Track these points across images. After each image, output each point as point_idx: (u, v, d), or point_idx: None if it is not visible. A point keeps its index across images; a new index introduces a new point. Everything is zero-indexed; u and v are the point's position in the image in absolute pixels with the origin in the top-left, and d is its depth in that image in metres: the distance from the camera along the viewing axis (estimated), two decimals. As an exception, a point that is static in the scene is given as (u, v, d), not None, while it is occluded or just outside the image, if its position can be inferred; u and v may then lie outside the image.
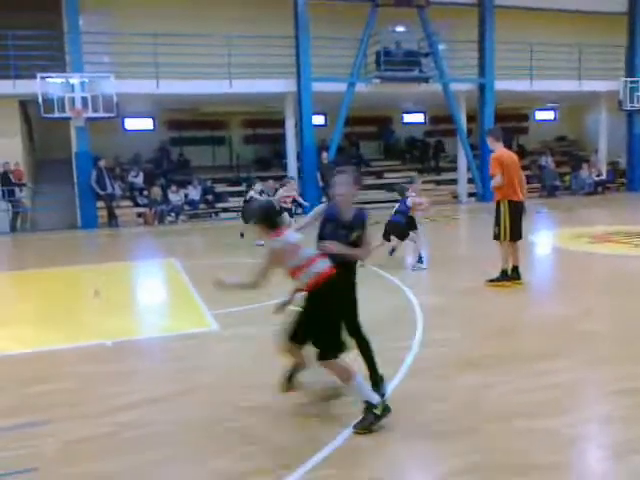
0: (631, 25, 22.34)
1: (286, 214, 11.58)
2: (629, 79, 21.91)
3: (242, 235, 12.96)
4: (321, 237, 4.29)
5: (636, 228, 12.54)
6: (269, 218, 4.07)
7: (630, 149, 23.04)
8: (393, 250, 9.67)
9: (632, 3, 22.19)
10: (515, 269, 7.74)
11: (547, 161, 22.54)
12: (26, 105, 17.49)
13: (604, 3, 21.87)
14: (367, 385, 3.97)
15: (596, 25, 21.93)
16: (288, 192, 12.87)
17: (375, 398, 3.87)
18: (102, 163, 17.21)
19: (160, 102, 19.12)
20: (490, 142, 7.78)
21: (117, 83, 16.12)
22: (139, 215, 18.15)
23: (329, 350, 3.90)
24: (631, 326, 5.89)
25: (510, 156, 7.69)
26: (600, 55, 21.42)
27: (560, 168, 23.22)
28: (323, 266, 3.97)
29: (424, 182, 21.84)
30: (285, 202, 12.41)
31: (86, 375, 5.03)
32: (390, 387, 4.45)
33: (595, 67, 21.20)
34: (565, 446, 3.59)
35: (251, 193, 13.12)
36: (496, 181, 7.53)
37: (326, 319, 3.95)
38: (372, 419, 3.81)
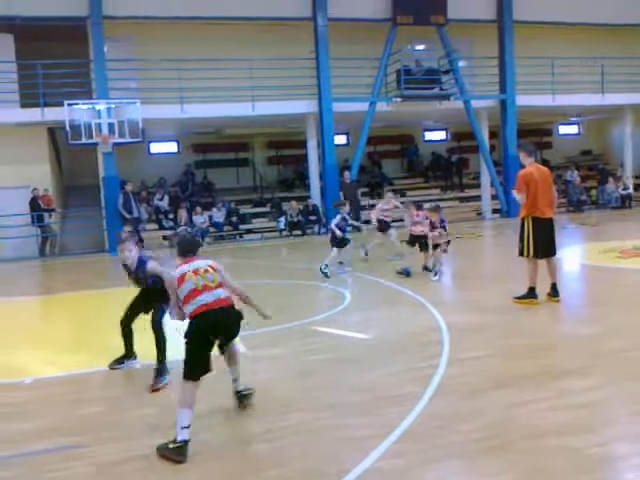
0: (654, 37, 22.18)
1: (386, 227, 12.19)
2: (653, 91, 21.69)
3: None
4: None
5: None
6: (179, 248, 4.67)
7: (656, 162, 22.73)
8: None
9: (654, 15, 22.05)
10: (553, 286, 7.67)
11: (572, 176, 22.34)
12: (54, 132, 17.92)
13: (625, 15, 21.75)
14: (184, 422, 4.00)
15: (618, 37, 21.79)
16: (387, 205, 12.82)
17: (181, 435, 3.95)
18: (129, 187, 17.48)
19: (184, 126, 19.44)
20: (522, 157, 7.78)
21: (143, 108, 16.45)
22: (164, 238, 18.37)
23: (184, 371, 4.22)
24: (662, 342, 5.79)
25: (541, 172, 7.62)
26: (623, 68, 21.25)
27: (586, 182, 22.99)
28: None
29: (448, 200, 21.93)
30: (386, 216, 12.43)
31: (116, 398, 5.09)
32: (419, 407, 4.44)
33: (618, 80, 21.03)
34: (596, 465, 3.53)
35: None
36: (519, 198, 7.57)
37: (187, 347, 4.27)
38: (166, 449, 3.93)
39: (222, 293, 4.40)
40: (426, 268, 10.05)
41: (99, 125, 16.39)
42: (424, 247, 10.13)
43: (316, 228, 19.14)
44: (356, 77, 18.01)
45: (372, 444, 3.87)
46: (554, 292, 7.66)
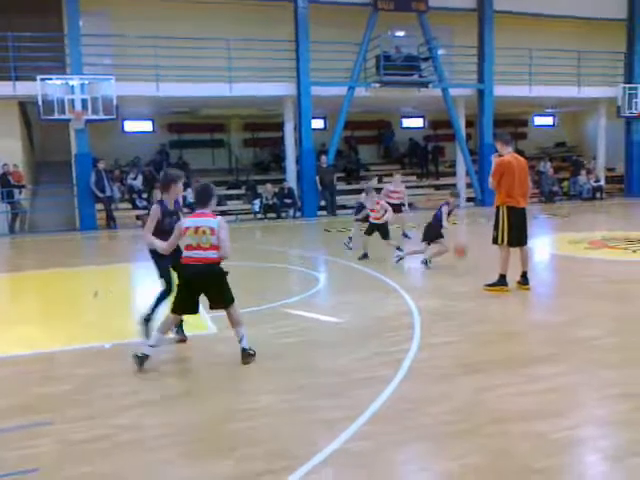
0: (630, 32, 22.48)
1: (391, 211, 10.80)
2: (628, 85, 22.04)
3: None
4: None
5: (633, 234, 12.59)
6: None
7: (628, 155, 23.13)
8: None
9: (631, 10, 22.32)
10: (524, 275, 7.78)
11: (545, 167, 22.62)
12: (26, 107, 17.53)
13: (604, 9, 21.99)
14: (152, 342, 5.17)
15: (595, 31, 22.04)
16: (396, 187, 12.69)
17: (146, 350, 5.11)
18: (101, 165, 17.24)
19: (160, 105, 19.17)
20: (499, 147, 7.85)
21: (117, 85, 16.16)
22: (137, 217, 18.15)
23: (171, 305, 5.31)
24: (627, 331, 5.92)
25: (519, 162, 7.71)
26: (599, 61, 21.52)
27: (559, 174, 23.30)
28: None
29: (424, 187, 22.03)
30: (391, 197, 12.16)
31: (84, 377, 5.03)
32: (389, 389, 4.47)
33: (594, 73, 21.30)
34: (563, 449, 3.61)
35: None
36: (489, 182, 7.82)
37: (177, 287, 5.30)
38: (133, 356, 5.10)
39: (212, 254, 5.06)
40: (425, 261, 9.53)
41: (72, 101, 16.09)
42: (385, 235, 10.22)
43: (291, 211, 19.11)
44: (335, 61, 17.93)
45: (342, 426, 3.90)
46: (524, 280, 7.78)
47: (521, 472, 3.35)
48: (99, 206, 17.42)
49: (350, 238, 11.81)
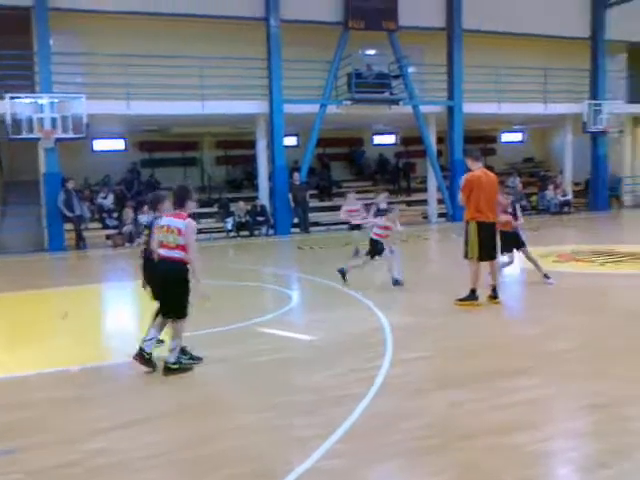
0: (594, 50, 23.07)
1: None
2: (592, 102, 22.55)
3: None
4: None
5: (600, 247, 12.83)
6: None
7: (594, 170, 23.62)
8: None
9: (594, 28, 22.93)
10: (494, 289, 7.86)
11: (514, 182, 22.97)
12: (-7, 126, 17.25)
13: (568, 28, 22.51)
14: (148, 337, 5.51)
15: (561, 49, 22.54)
16: (352, 206, 12.47)
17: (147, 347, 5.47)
18: (70, 185, 17.00)
19: (131, 123, 19.04)
20: (469, 163, 7.97)
21: (88, 104, 16.03)
22: (108, 237, 17.94)
23: None
24: (596, 343, 6.01)
25: (489, 177, 7.81)
26: (565, 79, 22.01)
27: (527, 189, 23.68)
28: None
29: (396, 203, 22.16)
30: (351, 217, 12.11)
31: (52, 402, 4.92)
32: (361, 407, 4.46)
33: (560, 90, 21.78)
34: (535, 461, 3.63)
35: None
36: (459, 198, 7.93)
37: None
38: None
39: (177, 254, 5.34)
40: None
41: (41, 120, 15.87)
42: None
43: (264, 229, 19.07)
44: (307, 79, 18.05)
45: (315, 444, 3.87)
46: (494, 294, 7.85)
47: (493, 486, 3.36)
48: (68, 226, 17.15)
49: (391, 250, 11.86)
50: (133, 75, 16.36)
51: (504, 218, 8.58)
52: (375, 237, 9.38)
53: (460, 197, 7.89)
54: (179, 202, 5.47)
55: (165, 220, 5.47)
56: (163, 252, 5.40)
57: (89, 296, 10.08)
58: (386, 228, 9.42)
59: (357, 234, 12.23)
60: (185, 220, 5.37)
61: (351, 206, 12.56)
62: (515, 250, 9.17)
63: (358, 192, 22.03)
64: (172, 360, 5.37)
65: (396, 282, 9.19)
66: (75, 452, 3.95)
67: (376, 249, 9.31)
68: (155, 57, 16.44)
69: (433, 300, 8.28)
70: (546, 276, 9.05)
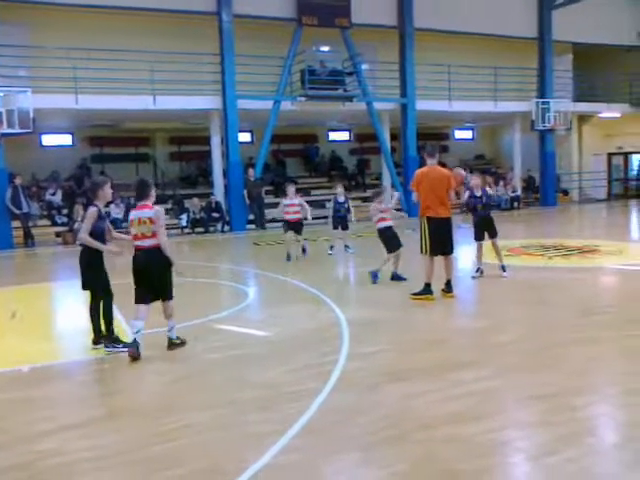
0: (541, 50, 23.68)
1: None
2: (540, 100, 23.14)
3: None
4: None
5: (549, 241, 13.20)
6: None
7: (542, 167, 24.27)
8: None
9: (541, 29, 23.54)
10: (448, 283, 7.99)
11: (466, 178, 23.37)
12: None
13: (516, 28, 23.04)
14: (133, 329, 5.76)
15: (509, 49, 23.06)
16: (291, 200, 11.99)
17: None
18: (18, 181, 16.52)
19: (79, 118, 18.59)
20: (426, 159, 8.06)
21: (34, 98, 15.56)
22: (57, 235, 17.48)
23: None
24: (543, 335, 6.17)
25: (436, 173, 7.89)
26: (513, 77, 22.53)
27: (479, 185, 24.12)
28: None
29: (350, 199, 22.28)
30: (287, 212, 11.83)
31: (1, 403, 4.78)
32: (317, 401, 4.48)
33: (509, 89, 22.28)
34: (488, 451, 3.71)
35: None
36: (413, 195, 8.06)
37: None
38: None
39: (153, 241, 5.73)
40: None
41: (-15, 114, 15.34)
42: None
43: (219, 225, 18.92)
44: (261, 75, 17.97)
45: (272, 439, 3.87)
46: (448, 288, 8.00)
47: (447, 476, 3.43)
48: (16, 223, 16.66)
49: (347, 246, 12.37)
50: (81, 69, 15.97)
51: (457, 170, 8.71)
52: (383, 225, 9.52)
53: (414, 194, 8.02)
54: (142, 194, 5.86)
55: (133, 214, 5.84)
56: (142, 243, 5.77)
57: (38, 295, 9.82)
58: (387, 211, 9.62)
59: (291, 235, 11.77)
60: (152, 209, 5.79)
61: (290, 201, 11.92)
62: (487, 236, 9.61)
63: (314, 188, 22.28)
64: (174, 336, 6.00)
65: (398, 277, 9.17)
66: (25, 453, 3.85)
67: (391, 239, 9.34)
68: (104, 50, 16.11)
69: (389, 295, 8.37)
70: (503, 268, 9.26)
